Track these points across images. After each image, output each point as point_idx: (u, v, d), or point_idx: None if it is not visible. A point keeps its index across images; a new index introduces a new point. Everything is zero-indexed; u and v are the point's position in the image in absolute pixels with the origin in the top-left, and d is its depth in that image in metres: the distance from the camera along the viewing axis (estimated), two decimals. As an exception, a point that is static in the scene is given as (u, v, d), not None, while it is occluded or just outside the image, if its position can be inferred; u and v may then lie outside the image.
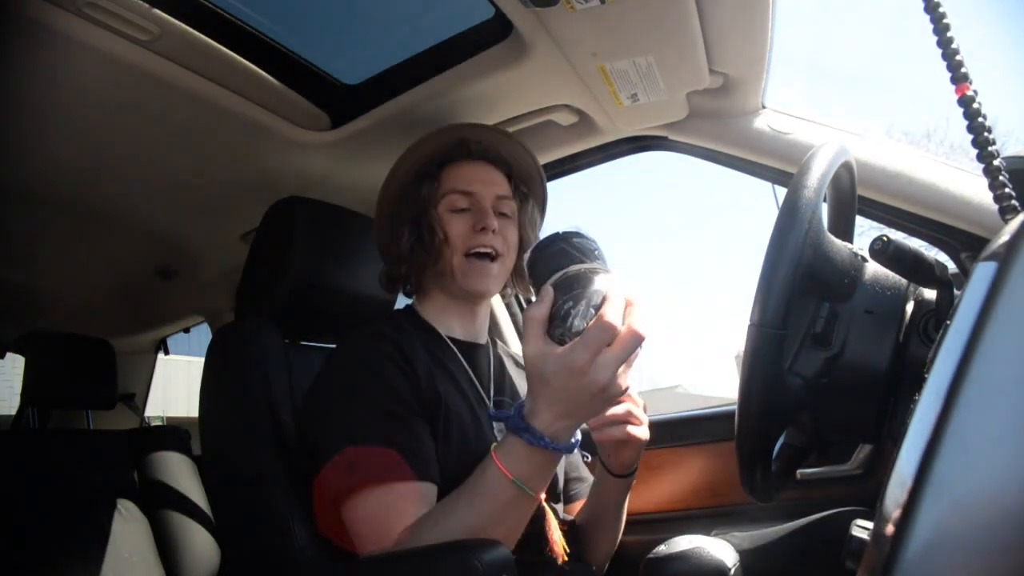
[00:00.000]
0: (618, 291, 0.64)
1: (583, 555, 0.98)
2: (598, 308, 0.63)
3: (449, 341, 0.96)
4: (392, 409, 0.81)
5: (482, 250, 0.94)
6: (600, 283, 0.65)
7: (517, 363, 1.08)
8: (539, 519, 0.75)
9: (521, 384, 1.03)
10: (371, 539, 0.75)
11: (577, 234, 0.69)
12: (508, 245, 0.97)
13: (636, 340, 0.63)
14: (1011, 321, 0.33)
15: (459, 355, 0.95)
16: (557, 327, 0.64)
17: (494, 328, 1.53)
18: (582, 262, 0.66)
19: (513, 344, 1.53)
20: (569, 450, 0.69)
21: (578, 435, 0.70)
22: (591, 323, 0.62)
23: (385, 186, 1.02)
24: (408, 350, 0.86)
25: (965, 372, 0.33)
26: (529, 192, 1.05)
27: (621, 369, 0.63)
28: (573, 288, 0.64)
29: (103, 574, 1.06)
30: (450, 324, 0.98)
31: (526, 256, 0.71)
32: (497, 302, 1.54)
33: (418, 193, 0.97)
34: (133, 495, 1.23)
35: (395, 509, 0.75)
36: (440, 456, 0.83)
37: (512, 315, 1.56)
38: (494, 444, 0.72)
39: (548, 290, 0.66)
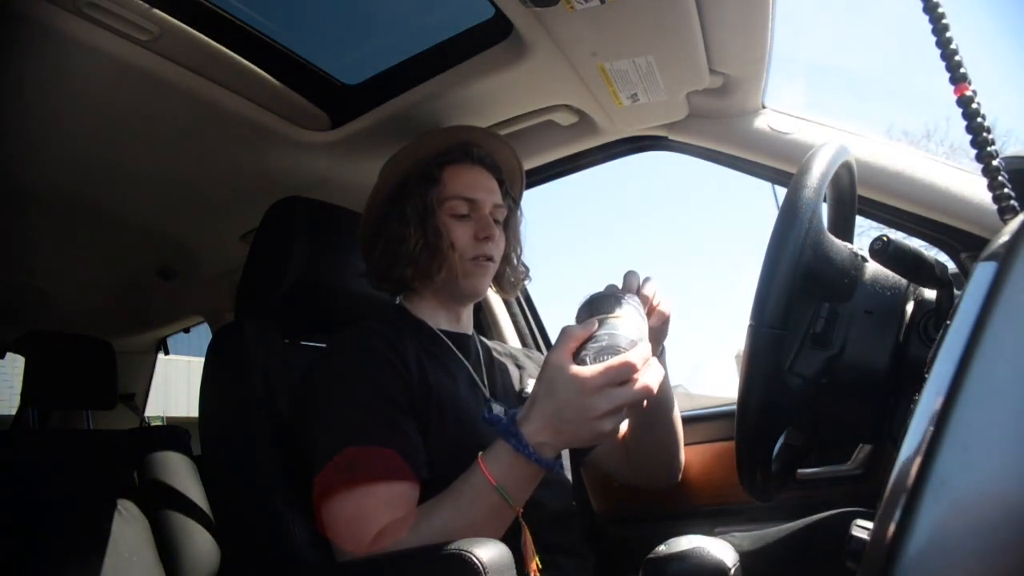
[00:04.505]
0: (646, 347, 0.70)
1: (650, 480, 1.10)
2: (626, 351, 0.69)
3: (439, 333, 0.99)
4: (387, 409, 0.82)
5: (485, 260, 0.97)
6: (635, 334, 0.72)
7: (502, 353, 1.10)
8: (515, 533, 0.76)
9: (512, 370, 1.06)
10: (355, 531, 0.76)
11: (630, 292, 0.81)
12: (500, 251, 1.01)
13: (645, 391, 0.67)
14: (1011, 321, 0.33)
15: (450, 344, 0.98)
16: (585, 351, 0.70)
17: (494, 328, 1.53)
18: (628, 314, 0.75)
19: (508, 331, 1.54)
20: (550, 467, 0.71)
21: (563, 457, 0.72)
22: (616, 359, 0.68)
23: (381, 184, 1.01)
24: (399, 346, 0.88)
25: (965, 372, 0.33)
26: (516, 199, 1.10)
27: (617, 409, 0.67)
28: (614, 329, 0.72)
29: (103, 574, 1.06)
30: (438, 319, 1.01)
31: (584, 299, 0.78)
32: (497, 302, 1.54)
33: (422, 193, 0.97)
34: (133, 495, 1.23)
35: (384, 504, 0.77)
36: (437, 444, 0.84)
37: (512, 315, 1.56)
38: (481, 452, 0.74)
39: (593, 321, 0.72)
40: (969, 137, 0.53)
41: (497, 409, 0.96)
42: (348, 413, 0.82)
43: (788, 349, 0.66)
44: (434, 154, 1.00)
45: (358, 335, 0.90)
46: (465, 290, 0.99)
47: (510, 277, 1.07)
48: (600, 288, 0.83)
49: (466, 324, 1.05)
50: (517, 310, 1.57)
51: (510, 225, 1.06)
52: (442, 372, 0.92)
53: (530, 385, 1.05)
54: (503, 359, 1.08)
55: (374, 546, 0.74)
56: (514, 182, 1.10)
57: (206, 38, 0.97)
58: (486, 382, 0.99)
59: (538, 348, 1.56)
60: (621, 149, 1.29)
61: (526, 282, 1.12)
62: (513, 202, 1.08)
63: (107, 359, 1.76)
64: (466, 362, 0.98)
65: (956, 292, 0.61)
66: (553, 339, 1.58)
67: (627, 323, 0.73)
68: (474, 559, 0.62)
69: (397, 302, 1.05)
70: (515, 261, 1.08)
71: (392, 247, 0.97)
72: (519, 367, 1.09)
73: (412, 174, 1.00)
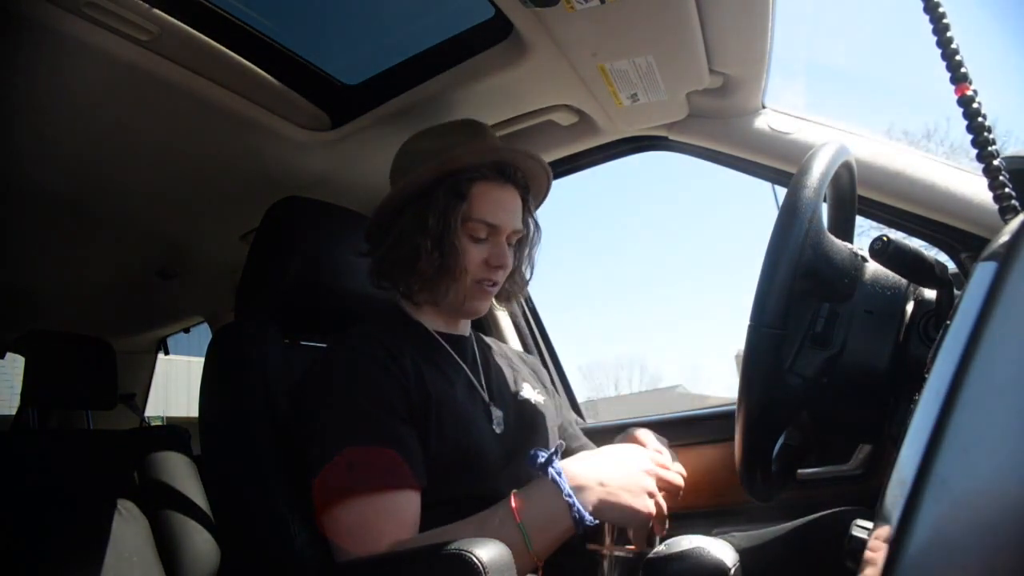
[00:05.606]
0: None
1: None
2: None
3: (436, 335, 0.98)
4: (386, 414, 0.82)
5: (490, 285, 0.96)
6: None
7: (499, 354, 1.10)
8: None
9: (508, 372, 1.06)
10: (361, 542, 0.76)
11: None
12: (507, 274, 0.99)
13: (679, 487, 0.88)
14: (1011, 321, 0.33)
15: (447, 347, 0.97)
16: None
17: (494, 327, 1.53)
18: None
19: (511, 340, 1.53)
20: (580, 519, 0.73)
21: (588, 518, 0.73)
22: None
23: (406, 184, 0.94)
24: (396, 351, 0.88)
25: (965, 372, 0.33)
26: (535, 222, 1.05)
27: (655, 487, 0.79)
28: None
29: (103, 574, 1.06)
30: (436, 322, 1.00)
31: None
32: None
33: (446, 209, 0.92)
34: (133, 495, 1.23)
35: (389, 516, 0.77)
36: (436, 449, 0.84)
37: (511, 315, 1.56)
38: (516, 491, 0.76)
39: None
40: (970, 137, 0.53)
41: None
42: (347, 417, 0.82)
43: (788, 349, 0.66)
44: (465, 169, 0.93)
45: (357, 341, 0.90)
46: (466, 311, 0.98)
47: (509, 291, 1.05)
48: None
49: (464, 326, 1.04)
50: (517, 309, 1.57)
51: (523, 244, 1.03)
52: (440, 377, 0.91)
53: (524, 389, 1.05)
54: (500, 360, 1.08)
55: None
56: (538, 201, 1.07)
57: (206, 38, 0.97)
58: (484, 385, 0.99)
59: (537, 347, 1.56)
60: (621, 149, 1.29)
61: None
62: (534, 222, 1.04)
63: (107, 359, 1.75)
64: (464, 365, 0.97)
65: (956, 292, 0.61)
66: (554, 340, 1.59)
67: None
68: (474, 559, 0.62)
69: (396, 300, 1.04)
70: (518, 278, 1.05)
71: (403, 253, 0.94)
72: (514, 369, 1.09)
73: (442, 183, 0.93)
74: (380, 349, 0.87)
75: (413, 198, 0.94)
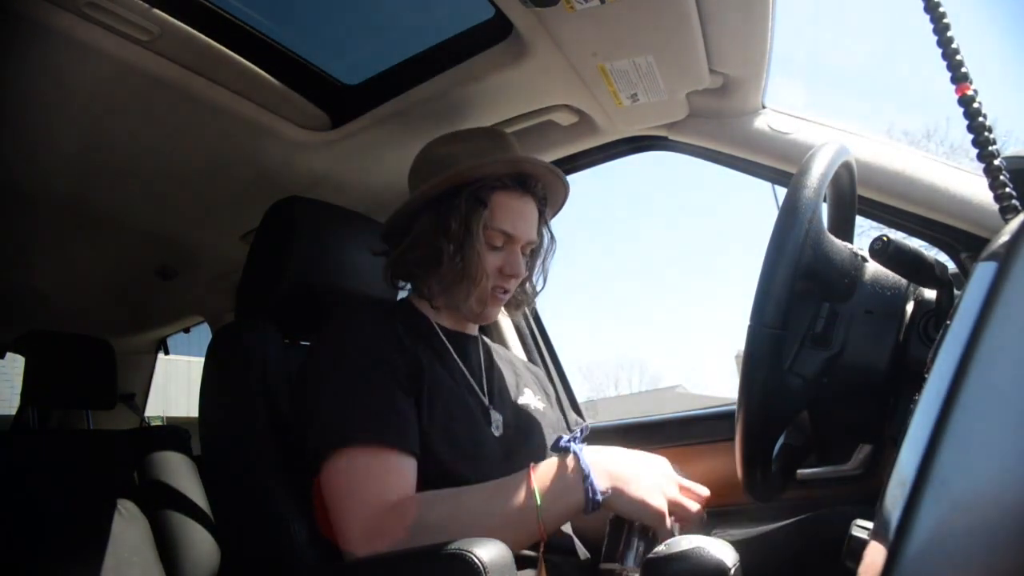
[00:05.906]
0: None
1: None
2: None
3: (439, 329, 0.99)
4: (385, 380, 0.84)
5: (502, 293, 0.97)
6: None
7: (502, 358, 1.10)
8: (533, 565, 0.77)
9: (509, 377, 1.06)
10: (367, 496, 0.77)
11: None
12: (518, 283, 1.01)
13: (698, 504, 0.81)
14: (1011, 321, 0.33)
15: (447, 343, 0.98)
16: None
17: (496, 332, 1.53)
18: None
19: (515, 349, 1.53)
20: (592, 495, 0.74)
21: (599, 495, 0.75)
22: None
23: (427, 187, 0.95)
24: (394, 325, 0.91)
25: (965, 372, 0.33)
26: (550, 233, 1.06)
27: (672, 492, 0.78)
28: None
29: (103, 574, 1.06)
30: (442, 319, 1.01)
31: None
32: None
33: (468, 215, 0.93)
34: (133, 495, 1.23)
35: (391, 472, 0.79)
36: (426, 429, 0.85)
37: (514, 320, 1.56)
38: (533, 463, 0.77)
39: None
40: (970, 137, 0.53)
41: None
42: (349, 411, 0.82)
43: (788, 349, 0.66)
44: (488, 178, 0.94)
45: (353, 313, 0.93)
46: (479, 318, 1.00)
47: (518, 299, 1.06)
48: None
49: (472, 327, 1.04)
50: (520, 318, 1.56)
51: (536, 254, 1.04)
52: (435, 360, 0.92)
53: (526, 394, 1.05)
54: (503, 364, 1.08)
55: (391, 514, 0.76)
56: (556, 209, 1.08)
57: (206, 38, 0.97)
58: (485, 388, 0.99)
59: (538, 350, 1.55)
60: (621, 149, 1.29)
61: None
62: (549, 234, 1.05)
63: (107, 359, 1.75)
64: (464, 366, 0.97)
65: (956, 292, 0.61)
66: (556, 345, 1.59)
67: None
68: (474, 559, 0.62)
69: (403, 296, 1.05)
70: (529, 287, 1.06)
71: (424, 254, 0.95)
72: (517, 375, 1.09)
73: (464, 189, 0.94)
74: (380, 316, 0.91)
75: (434, 201, 0.95)
